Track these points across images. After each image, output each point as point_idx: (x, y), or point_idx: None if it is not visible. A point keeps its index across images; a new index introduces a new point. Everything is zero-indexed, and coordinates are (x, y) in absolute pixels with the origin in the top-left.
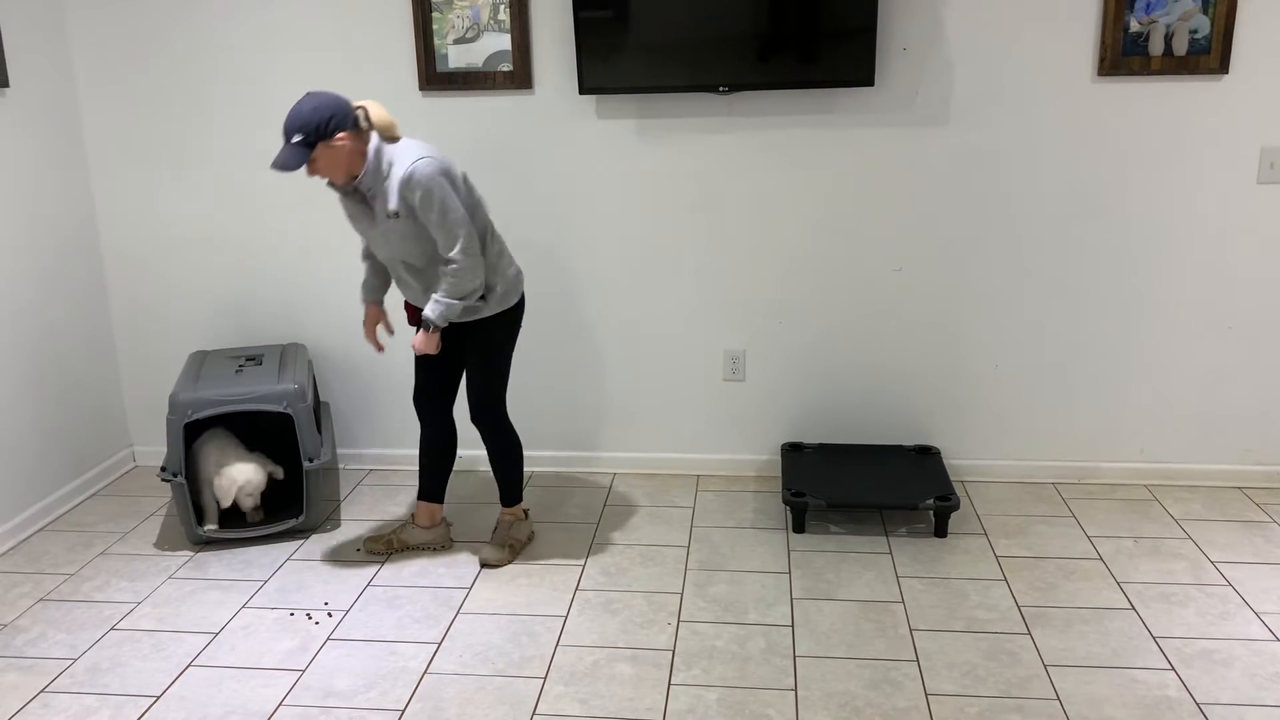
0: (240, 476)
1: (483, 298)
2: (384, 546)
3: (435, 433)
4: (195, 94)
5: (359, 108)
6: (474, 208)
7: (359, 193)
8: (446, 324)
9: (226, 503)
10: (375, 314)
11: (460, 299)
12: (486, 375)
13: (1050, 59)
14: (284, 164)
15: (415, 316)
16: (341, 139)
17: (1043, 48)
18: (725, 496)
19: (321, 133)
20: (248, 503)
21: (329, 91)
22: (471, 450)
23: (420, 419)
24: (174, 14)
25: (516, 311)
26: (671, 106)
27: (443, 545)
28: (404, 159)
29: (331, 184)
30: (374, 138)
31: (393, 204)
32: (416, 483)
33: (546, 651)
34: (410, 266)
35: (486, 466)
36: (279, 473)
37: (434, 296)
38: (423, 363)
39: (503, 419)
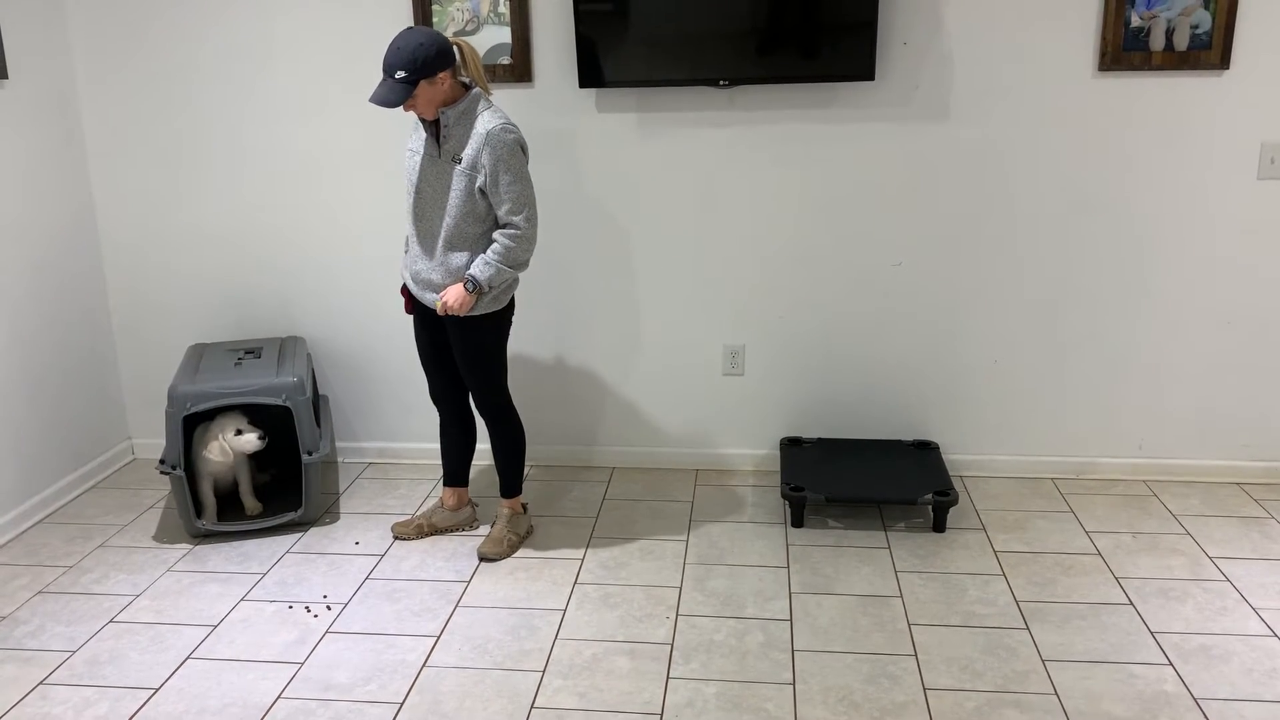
0: (218, 430)
1: (480, 294)
2: (414, 531)
3: (452, 421)
4: (194, 87)
5: (455, 44)
6: None
7: (436, 126)
8: (489, 289)
9: (229, 457)
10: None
11: (511, 267)
12: (482, 372)
13: (1051, 54)
14: (385, 100)
15: (411, 305)
16: (443, 76)
17: (1044, 43)
18: (724, 491)
19: (425, 70)
20: (248, 439)
21: (426, 27)
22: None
23: (439, 409)
24: (173, 7)
25: (507, 313)
26: (671, 100)
27: (470, 526)
28: (493, 117)
29: (421, 118)
30: (469, 82)
31: (465, 151)
32: (429, 473)
33: (545, 645)
34: (440, 223)
35: (487, 460)
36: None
37: (483, 258)
38: (430, 363)
39: (507, 408)
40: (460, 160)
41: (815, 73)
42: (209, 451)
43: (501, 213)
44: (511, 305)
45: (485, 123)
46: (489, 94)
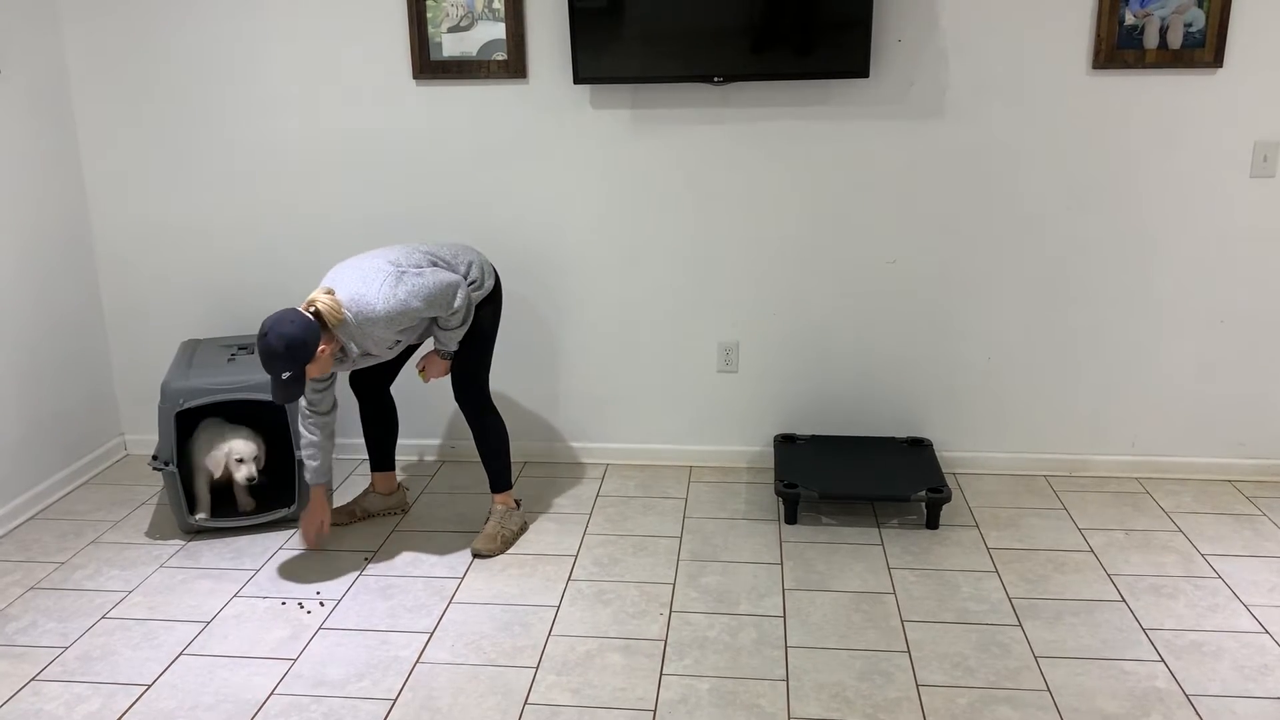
0: (226, 445)
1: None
2: (347, 517)
3: (374, 409)
4: (187, 83)
5: (309, 308)
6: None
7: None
8: (457, 345)
9: (218, 472)
10: (324, 502)
11: (464, 324)
12: (474, 360)
13: (1045, 52)
14: (287, 399)
15: None
16: (321, 349)
17: (1038, 40)
18: (718, 488)
19: (304, 358)
20: (241, 472)
21: (282, 315)
22: (462, 441)
23: (358, 398)
24: (166, 2)
25: (496, 294)
26: (666, 97)
27: (402, 508)
28: (366, 309)
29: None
30: (340, 322)
31: (390, 339)
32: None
33: (539, 641)
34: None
35: (477, 457)
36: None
37: (440, 336)
38: None
39: (489, 400)
40: (399, 341)
41: (809, 70)
42: (211, 462)
43: (435, 317)
44: (498, 284)
45: (372, 319)
46: (342, 318)
